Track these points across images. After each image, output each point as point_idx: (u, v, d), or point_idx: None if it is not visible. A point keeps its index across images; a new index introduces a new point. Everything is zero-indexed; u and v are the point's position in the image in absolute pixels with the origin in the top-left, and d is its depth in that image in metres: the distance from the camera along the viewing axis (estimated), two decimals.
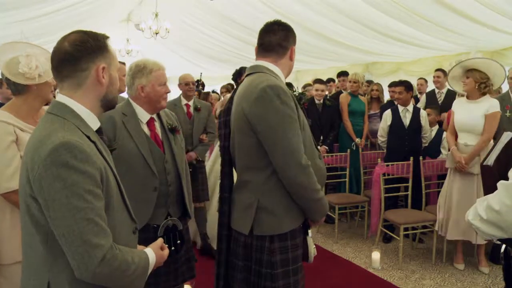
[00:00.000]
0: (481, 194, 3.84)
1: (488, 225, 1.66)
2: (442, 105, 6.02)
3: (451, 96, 6.12)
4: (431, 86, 6.89)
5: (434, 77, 6.38)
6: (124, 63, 3.62)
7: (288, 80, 3.45)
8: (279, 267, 2.10)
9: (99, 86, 1.48)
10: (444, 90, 6.28)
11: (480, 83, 3.96)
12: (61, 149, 1.28)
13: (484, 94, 4.02)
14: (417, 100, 6.69)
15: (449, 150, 4.84)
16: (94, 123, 1.50)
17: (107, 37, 1.52)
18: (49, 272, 1.36)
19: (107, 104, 1.55)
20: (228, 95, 3.13)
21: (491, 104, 3.98)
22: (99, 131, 1.55)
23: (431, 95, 6.38)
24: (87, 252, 1.28)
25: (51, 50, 1.48)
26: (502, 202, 1.58)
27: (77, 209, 1.27)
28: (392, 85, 5.65)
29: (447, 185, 4.29)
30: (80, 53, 1.42)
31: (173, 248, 2.42)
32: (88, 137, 1.41)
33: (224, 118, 2.34)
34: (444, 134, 5.21)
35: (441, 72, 6.33)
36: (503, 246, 1.94)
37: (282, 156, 2.01)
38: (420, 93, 7.00)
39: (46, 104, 2.42)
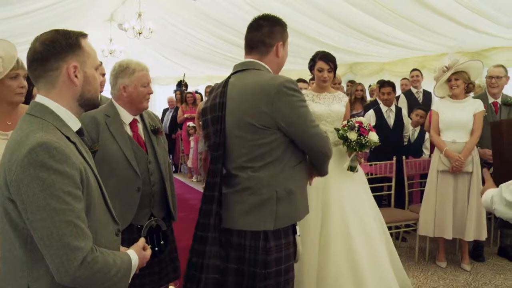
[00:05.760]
0: (475, 192, 3.97)
1: None
2: (422, 105, 6.07)
3: (428, 95, 6.24)
4: None
5: (412, 76, 6.46)
6: (101, 63, 3.54)
7: None
8: (273, 266, 2.08)
9: (72, 85, 1.42)
10: (421, 89, 6.41)
11: (468, 83, 4.10)
12: (38, 149, 1.25)
13: (468, 93, 4.15)
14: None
15: (431, 151, 4.87)
16: (74, 123, 1.46)
17: (82, 35, 1.46)
18: (28, 277, 1.32)
19: (87, 103, 1.49)
20: None
21: (478, 104, 4.12)
22: (80, 132, 1.51)
23: (409, 95, 6.42)
24: (66, 255, 1.24)
25: None
26: None
27: (55, 211, 1.24)
28: (381, 84, 5.60)
29: (437, 187, 4.22)
30: (49, 52, 1.38)
31: (156, 248, 2.41)
32: (68, 138, 1.38)
33: (214, 114, 2.18)
34: (427, 135, 5.26)
35: (419, 71, 6.50)
36: None
37: (317, 141, 2.12)
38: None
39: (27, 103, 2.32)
